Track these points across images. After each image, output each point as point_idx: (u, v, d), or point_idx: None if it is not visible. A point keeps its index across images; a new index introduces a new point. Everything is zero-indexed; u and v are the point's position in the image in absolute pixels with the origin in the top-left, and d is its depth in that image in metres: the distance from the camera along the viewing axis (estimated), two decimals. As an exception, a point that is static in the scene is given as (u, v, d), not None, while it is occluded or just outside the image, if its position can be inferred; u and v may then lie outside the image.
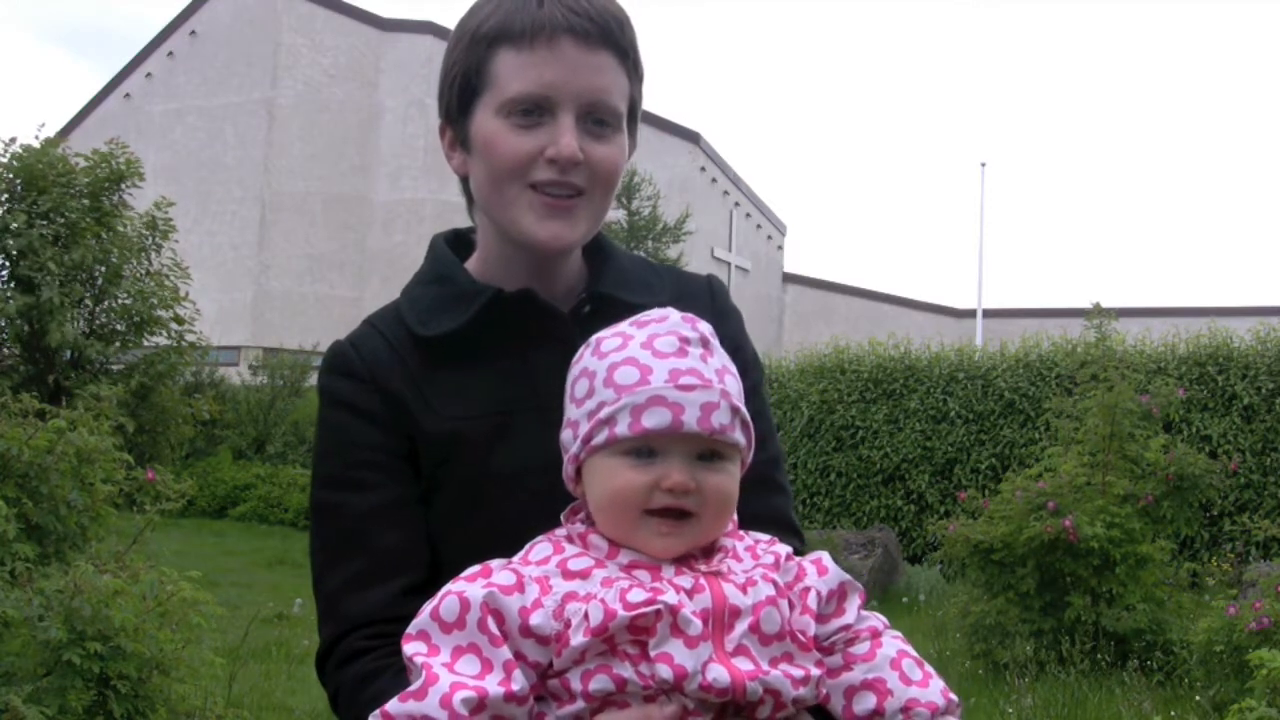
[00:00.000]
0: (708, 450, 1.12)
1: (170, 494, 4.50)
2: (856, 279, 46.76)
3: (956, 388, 12.21)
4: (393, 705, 1.04)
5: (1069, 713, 6.04)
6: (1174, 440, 8.18)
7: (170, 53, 28.69)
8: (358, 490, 1.29)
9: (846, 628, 1.18)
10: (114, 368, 11.81)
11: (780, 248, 35.74)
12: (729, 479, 1.13)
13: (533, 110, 1.27)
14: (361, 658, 1.24)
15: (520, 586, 1.07)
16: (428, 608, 1.09)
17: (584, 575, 1.09)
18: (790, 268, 35.39)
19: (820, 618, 1.16)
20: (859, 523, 12.18)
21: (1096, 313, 11.64)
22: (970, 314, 29.48)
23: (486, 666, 1.04)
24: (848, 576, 1.21)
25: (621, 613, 1.03)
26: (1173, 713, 5.82)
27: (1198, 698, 5.96)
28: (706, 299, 1.44)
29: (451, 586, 1.09)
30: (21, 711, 3.09)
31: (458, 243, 1.45)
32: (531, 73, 1.26)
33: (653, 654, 1.04)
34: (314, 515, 1.34)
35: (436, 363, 1.33)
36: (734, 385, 1.16)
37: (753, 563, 1.14)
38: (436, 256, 1.41)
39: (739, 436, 1.14)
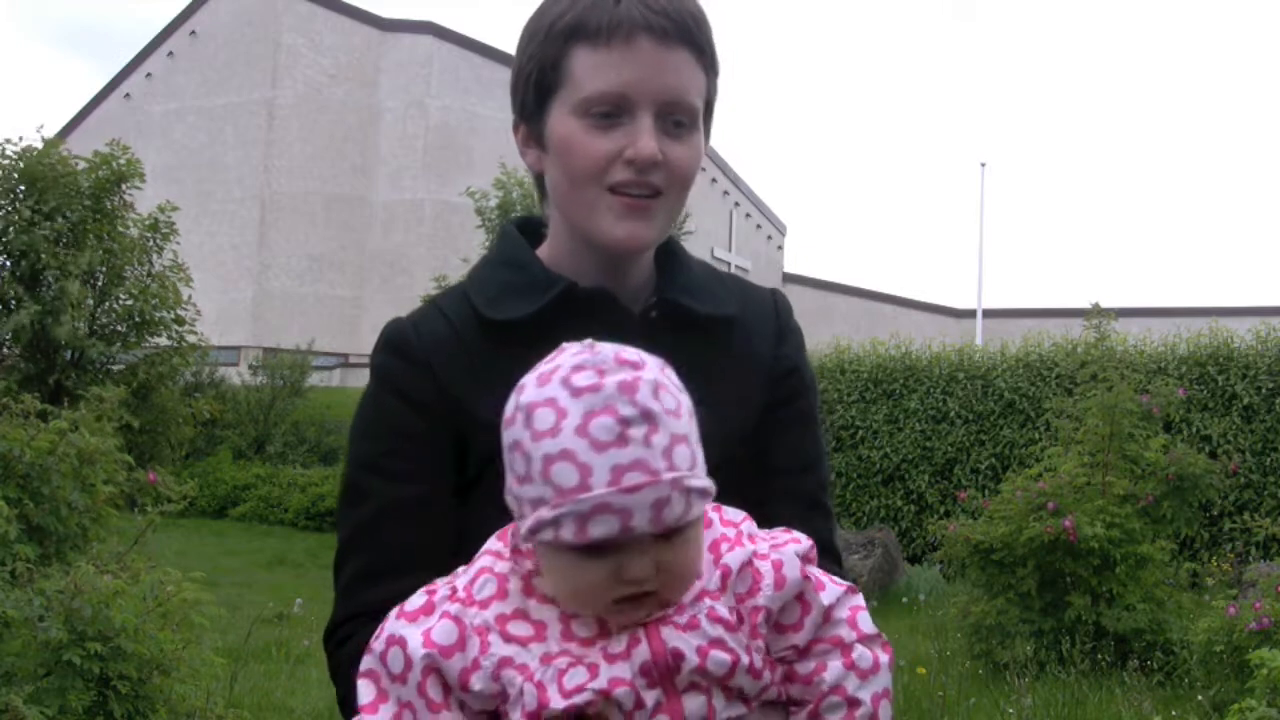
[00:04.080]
0: (665, 531, 1.04)
1: (172, 495, 4.50)
2: (856, 279, 46.83)
3: (956, 388, 12.20)
4: None
5: (1069, 713, 6.04)
6: (1174, 440, 8.18)
7: (170, 53, 28.71)
8: (389, 480, 1.29)
9: (793, 648, 1.12)
10: (114, 368, 11.82)
11: (780, 248, 35.78)
12: (690, 548, 1.07)
13: (611, 110, 1.26)
14: (360, 639, 1.27)
15: (461, 644, 1.05)
16: (378, 642, 1.08)
17: (522, 644, 1.05)
18: (790, 268, 35.45)
19: (773, 631, 1.11)
20: (859, 523, 12.17)
21: (1096, 313, 11.63)
22: (970, 314, 29.50)
23: None
24: (808, 581, 1.12)
25: (555, 702, 1.02)
26: (1173, 713, 5.82)
27: (1198, 698, 5.95)
28: (771, 315, 1.44)
29: (394, 629, 1.08)
30: (22, 711, 3.09)
31: (527, 229, 1.43)
32: (610, 72, 1.25)
33: None
34: (344, 492, 1.33)
35: (499, 347, 1.30)
36: (684, 456, 1.03)
37: (701, 585, 1.08)
38: (508, 241, 1.39)
39: (696, 511, 1.05)
